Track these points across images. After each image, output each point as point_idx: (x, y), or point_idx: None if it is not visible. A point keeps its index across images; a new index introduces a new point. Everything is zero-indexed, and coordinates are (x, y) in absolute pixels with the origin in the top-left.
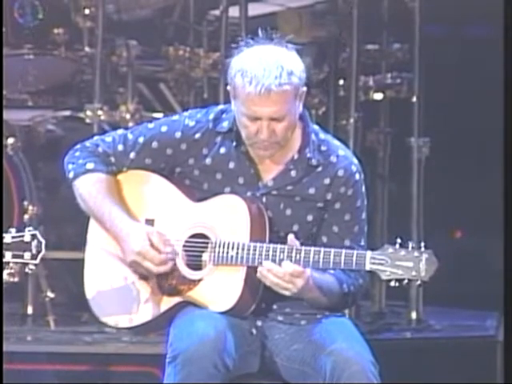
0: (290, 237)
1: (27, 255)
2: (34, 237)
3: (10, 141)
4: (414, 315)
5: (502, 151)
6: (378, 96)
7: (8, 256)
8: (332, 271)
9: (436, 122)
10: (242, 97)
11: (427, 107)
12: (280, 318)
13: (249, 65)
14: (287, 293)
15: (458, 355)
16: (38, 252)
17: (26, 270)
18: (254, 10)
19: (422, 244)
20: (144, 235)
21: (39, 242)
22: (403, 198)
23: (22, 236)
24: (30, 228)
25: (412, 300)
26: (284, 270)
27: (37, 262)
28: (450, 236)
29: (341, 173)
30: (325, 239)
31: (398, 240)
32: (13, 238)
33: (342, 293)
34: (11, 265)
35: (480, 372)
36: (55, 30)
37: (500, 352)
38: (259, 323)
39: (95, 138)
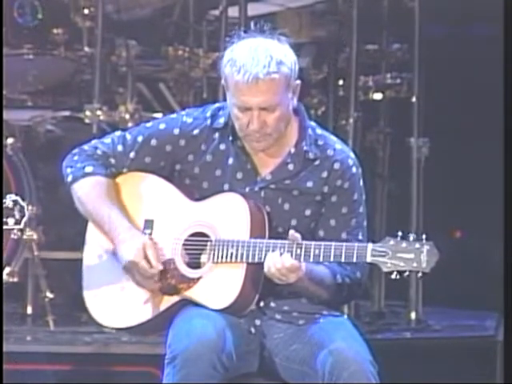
0: (291, 231)
1: (11, 221)
2: (15, 202)
3: (10, 141)
4: (413, 315)
5: (502, 151)
6: (378, 96)
7: None
8: (327, 263)
9: (435, 122)
10: (231, 87)
11: (427, 107)
12: (278, 316)
13: (238, 55)
14: (278, 281)
15: (457, 355)
16: (22, 217)
17: (12, 235)
18: (253, 9)
19: (424, 236)
20: (139, 245)
21: (21, 207)
22: (403, 198)
23: (4, 203)
24: (11, 195)
25: (411, 300)
26: (282, 263)
27: (21, 226)
28: (450, 236)
29: (337, 166)
30: (322, 233)
31: (399, 232)
32: None
33: (335, 283)
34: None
35: (480, 372)
36: (55, 30)
37: (500, 352)
38: (258, 322)
39: (93, 141)
